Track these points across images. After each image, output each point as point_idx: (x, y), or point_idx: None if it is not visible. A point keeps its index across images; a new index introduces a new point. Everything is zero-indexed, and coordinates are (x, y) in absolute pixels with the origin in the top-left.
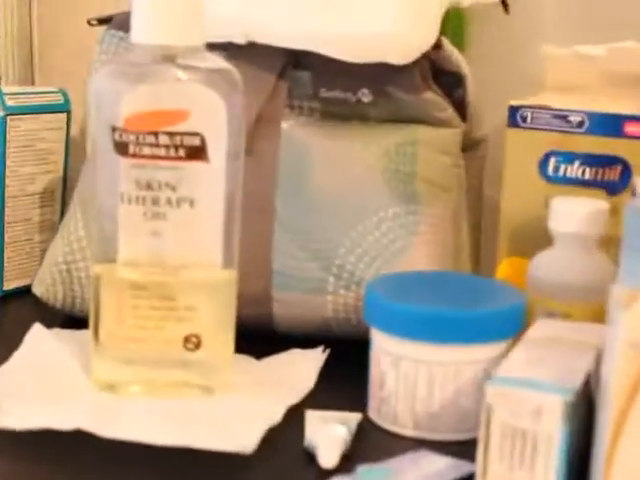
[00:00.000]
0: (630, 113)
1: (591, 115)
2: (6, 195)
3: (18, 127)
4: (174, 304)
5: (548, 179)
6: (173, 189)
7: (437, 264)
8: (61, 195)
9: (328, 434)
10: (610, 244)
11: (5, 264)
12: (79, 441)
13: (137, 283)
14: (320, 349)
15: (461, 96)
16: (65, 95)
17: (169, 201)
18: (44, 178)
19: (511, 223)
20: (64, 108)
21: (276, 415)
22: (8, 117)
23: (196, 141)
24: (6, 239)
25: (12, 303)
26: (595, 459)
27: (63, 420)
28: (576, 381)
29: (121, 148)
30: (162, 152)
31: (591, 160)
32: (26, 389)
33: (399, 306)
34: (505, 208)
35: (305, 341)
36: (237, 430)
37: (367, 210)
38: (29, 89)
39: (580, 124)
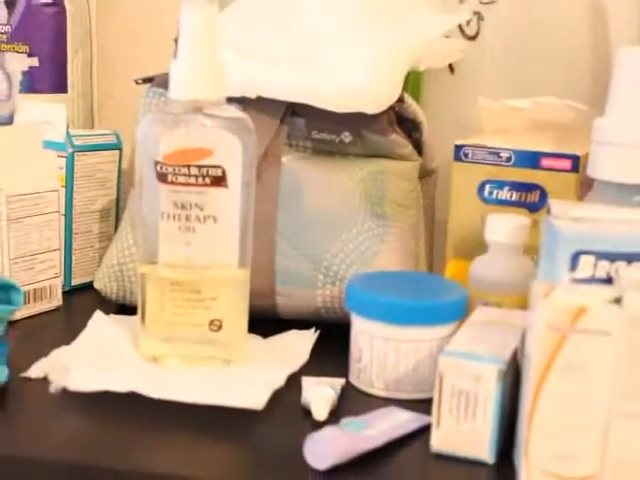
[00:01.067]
0: (546, 151)
1: (516, 152)
2: (73, 213)
3: (82, 161)
4: (202, 296)
5: (484, 200)
6: (201, 208)
7: (401, 265)
8: (115, 213)
9: (320, 394)
10: (532, 250)
11: (73, 265)
12: (131, 400)
13: (174, 280)
14: (312, 330)
15: (418, 137)
16: (118, 136)
17: (198, 218)
18: (102, 200)
19: (456, 234)
20: (117, 146)
21: (280, 380)
22: (75, 153)
23: (218, 172)
24: (73, 246)
25: (77, 295)
26: (521, 411)
27: (119, 384)
28: (507, 354)
29: (162, 177)
30: (193, 180)
31: (517, 186)
32: (90, 360)
33: (373, 297)
34: (452, 222)
35: (301, 324)
36: (250, 391)
37: (348, 224)
38: (90, 132)
39: (508, 159)
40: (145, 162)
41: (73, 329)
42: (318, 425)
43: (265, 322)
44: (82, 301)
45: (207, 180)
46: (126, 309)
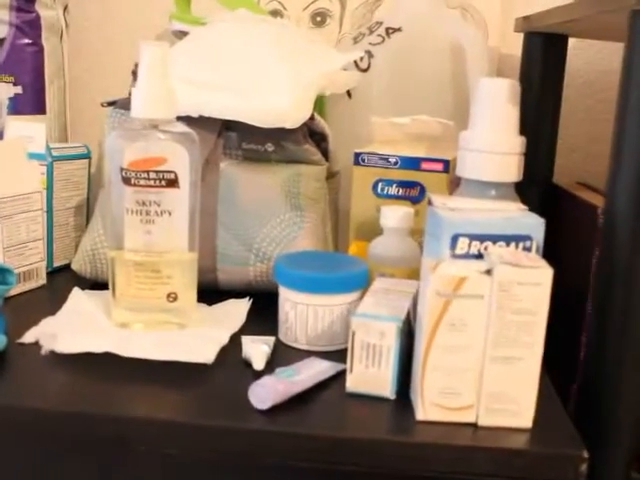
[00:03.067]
0: (424, 156)
1: (402, 157)
2: (53, 209)
3: (60, 168)
4: (160, 274)
5: (378, 195)
6: (158, 205)
7: (314, 246)
8: (86, 209)
9: (257, 350)
10: (415, 233)
11: (54, 251)
12: (106, 359)
13: (137, 262)
14: (247, 299)
15: (325, 147)
16: (88, 148)
17: (156, 212)
18: (75, 199)
19: (356, 221)
20: (87, 156)
21: (224, 339)
22: (54, 162)
23: (172, 176)
24: (54, 236)
25: (58, 275)
26: (415, 359)
27: (97, 346)
28: (402, 314)
29: (126, 180)
30: (151, 182)
31: (402, 184)
32: (72, 328)
33: (297, 273)
34: (353, 212)
35: (237, 294)
36: (201, 349)
37: (273, 215)
38: (65, 145)
39: (395, 163)
40: (112, 169)
41: (56, 302)
42: (257, 374)
43: (208, 293)
44: (62, 280)
45: (163, 182)
46: (98, 285)
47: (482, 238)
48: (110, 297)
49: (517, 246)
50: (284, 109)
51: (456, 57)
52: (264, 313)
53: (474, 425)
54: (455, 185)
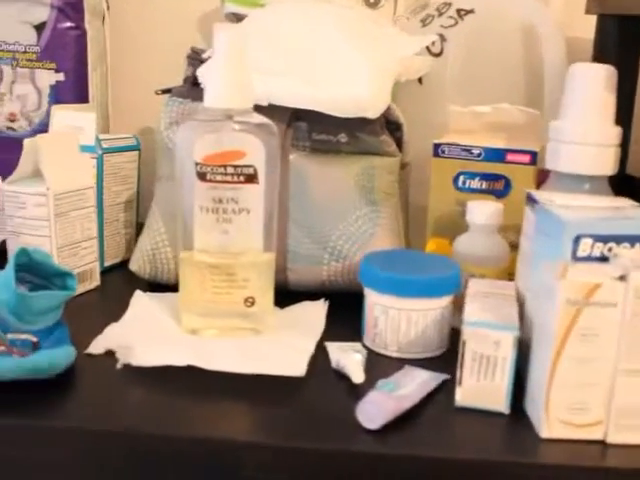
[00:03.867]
0: (510, 147)
1: (485, 149)
2: (104, 205)
3: (109, 161)
4: (236, 277)
5: (459, 189)
6: (236, 202)
7: (392, 243)
8: (136, 204)
9: (352, 359)
10: (501, 230)
11: (105, 249)
12: (183, 371)
13: (212, 264)
14: (322, 300)
15: (399, 136)
16: (137, 139)
17: (233, 210)
18: (125, 193)
19: (435, 216)
20: (136, 147)
21: (311, 348)
22: (104, 155)
23: (251, 170)
24: (105, 233)
25: (109, 275)
26: (538, 371)
27: (178, 359)
28: (515, 322)
29: (201, 176)
30: (229, 178)
31: (486, 177)
32: (144, 337)
33: (387, 275)
34: (431, 207)
35: (308, 295)
36: (291, 360)
37: (348, 211)
38: (115, 136)
39: (479, 155)
40: (185, 162)
41: (113, 305)
42: (352, 386)
43: (278, 294)
44: (115, 280)
45: (241, 178)
46: (157, 287)
47: (606, 239)
48: (179, 302)
49: None
50: (365, 97)
51: (529, 39)
52: (340, 315)
53: (602, 443)
54: (540, 178)
